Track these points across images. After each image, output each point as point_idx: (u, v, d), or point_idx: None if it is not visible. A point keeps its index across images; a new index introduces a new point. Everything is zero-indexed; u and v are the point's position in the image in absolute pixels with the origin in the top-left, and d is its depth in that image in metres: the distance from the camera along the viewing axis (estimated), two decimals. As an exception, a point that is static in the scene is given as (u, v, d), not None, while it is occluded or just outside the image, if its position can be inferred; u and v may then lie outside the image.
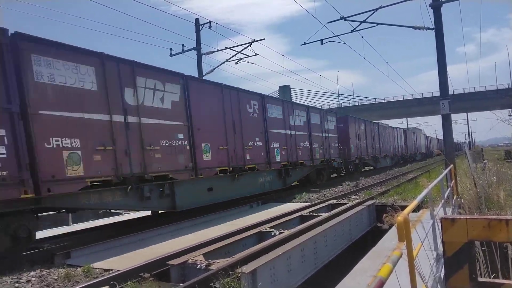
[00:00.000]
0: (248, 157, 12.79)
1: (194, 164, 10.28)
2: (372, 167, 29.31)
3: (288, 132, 15.68)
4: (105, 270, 6.04)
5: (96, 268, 6.14)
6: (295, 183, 17.98)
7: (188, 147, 10.15)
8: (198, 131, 10.58)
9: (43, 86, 6.97)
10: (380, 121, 35.71)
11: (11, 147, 6.37)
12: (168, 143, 9.56)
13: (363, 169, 27.57)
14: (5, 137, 6.32)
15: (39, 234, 8.15)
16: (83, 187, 7.48)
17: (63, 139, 7.19)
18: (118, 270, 5.74)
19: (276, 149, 14.63)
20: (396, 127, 39.73)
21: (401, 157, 39.65)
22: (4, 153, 6.27)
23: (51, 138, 6.97)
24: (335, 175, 23.28)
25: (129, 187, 8.37)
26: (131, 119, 8.65)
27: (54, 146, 7.01)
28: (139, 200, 8.75)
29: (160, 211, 10.86)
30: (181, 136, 9.95)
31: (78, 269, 6.11)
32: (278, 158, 14.73)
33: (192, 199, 10.34)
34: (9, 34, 6.68)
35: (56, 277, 5.78)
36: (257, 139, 13.48)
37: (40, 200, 6.86)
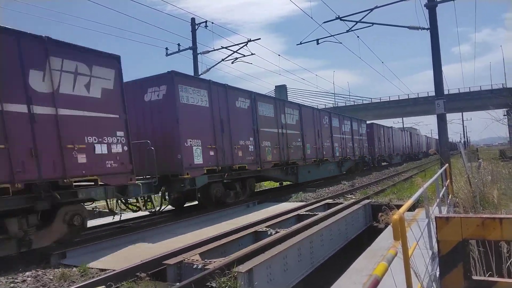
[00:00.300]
0: (324, 152, 20.21)
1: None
2: (387, 163, 35.10)
3: (341, 136, 23.13)
4: (101, 270, 6.03)
5: (92, 268, 6.12)
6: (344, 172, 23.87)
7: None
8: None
9: None
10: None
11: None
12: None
13: (382, 164, 33.93)
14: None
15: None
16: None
17: None
18: (114, 270, 5.74)
19: (336, 148, 22.01)
20: (404, 129, 44.80)
21: (408, 155, 45.20)
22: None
23: None
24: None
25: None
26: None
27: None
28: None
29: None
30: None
31: (74, 269, 6.09)
32: (337, 154, 22.16)
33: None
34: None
35: (52, 277, 5.76)
36: (328, 141, 20.99)
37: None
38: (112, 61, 8.40)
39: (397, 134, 40.18)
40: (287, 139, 16.28)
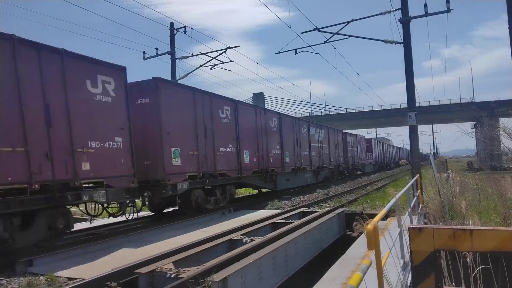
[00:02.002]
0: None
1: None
2: (361, 172, 36.71)
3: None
4: (70, 279, 5.82)
5: (60, 277, 5.90)
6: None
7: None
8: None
9: None
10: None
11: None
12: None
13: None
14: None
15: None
16: None
17: None
18: (83, 279, 5.55)
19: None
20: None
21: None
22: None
23: None
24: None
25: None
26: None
27: None
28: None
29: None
30: None
31: (41, 277, 5.85)
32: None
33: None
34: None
35: (17, 286, 5.52)
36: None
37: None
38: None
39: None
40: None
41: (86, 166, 7.97)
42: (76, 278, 5.75)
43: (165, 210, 12.73)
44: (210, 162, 12.33)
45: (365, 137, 40.97)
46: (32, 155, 6.91)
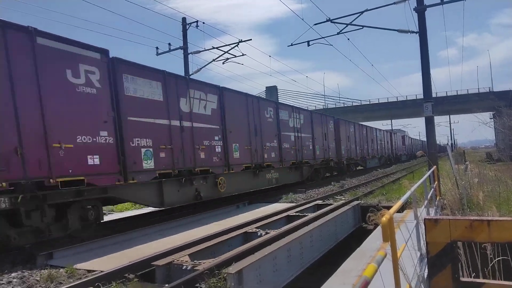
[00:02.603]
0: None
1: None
2: (362, 167, 32.08)
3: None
4: (89, 271, 5.95)
5: (80, 269, 6.04)
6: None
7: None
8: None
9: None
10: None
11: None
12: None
13: (357, 168, 31.46)
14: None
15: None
16: None
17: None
18: (102, 271, 5.67)
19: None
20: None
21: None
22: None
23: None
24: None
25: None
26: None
27: None
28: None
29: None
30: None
31: (61, 270, 6.00)
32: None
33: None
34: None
35: (38, 278, 5.67)
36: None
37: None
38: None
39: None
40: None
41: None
42: (95, 270, 5.88)
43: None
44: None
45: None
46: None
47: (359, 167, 31.32)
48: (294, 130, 18.11)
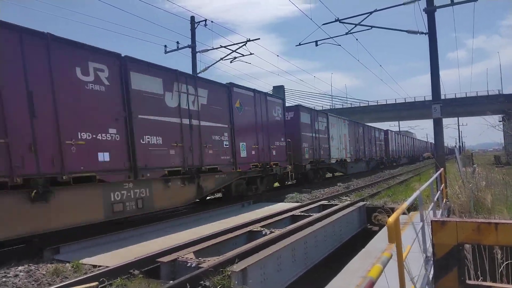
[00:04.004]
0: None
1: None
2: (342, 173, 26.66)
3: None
4: (94, 266, 6.00)
5: (85, 264, 6.09)
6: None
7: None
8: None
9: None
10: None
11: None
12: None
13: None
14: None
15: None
16: None
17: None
18: (107, 267, 5.71)
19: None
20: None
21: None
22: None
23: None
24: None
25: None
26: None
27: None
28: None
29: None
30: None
31: (67, 264, 6.06)
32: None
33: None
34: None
35: (44, 272, 5.73)
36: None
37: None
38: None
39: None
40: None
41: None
42: (100, 266, 5.93)
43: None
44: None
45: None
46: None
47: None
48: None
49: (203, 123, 11.16)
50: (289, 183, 19.57)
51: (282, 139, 15.99)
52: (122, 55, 8.73)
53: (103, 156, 7.97)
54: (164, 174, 9.58)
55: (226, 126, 12.36)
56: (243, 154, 13.16)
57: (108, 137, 8.16)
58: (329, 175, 24.83)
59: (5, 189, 6.42)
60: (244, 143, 13.28)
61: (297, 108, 18.81)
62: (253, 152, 13.82)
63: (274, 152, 15.16)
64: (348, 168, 25.87)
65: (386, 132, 39.18)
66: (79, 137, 7.53)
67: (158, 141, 9.47)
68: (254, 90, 14.19)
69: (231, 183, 12.74)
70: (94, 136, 7.82)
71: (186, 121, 10.46)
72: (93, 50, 8.01)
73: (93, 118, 7.85)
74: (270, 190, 16.07)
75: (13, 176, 6.33)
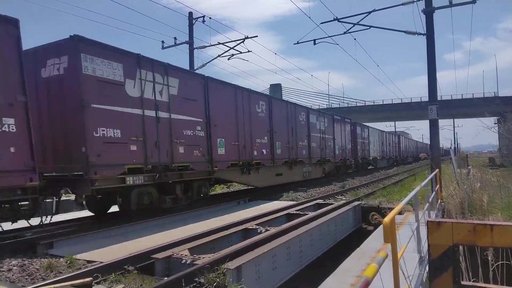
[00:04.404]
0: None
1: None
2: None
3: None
4: (88, 262, 5.98)
5: (79, 259, 6.07)
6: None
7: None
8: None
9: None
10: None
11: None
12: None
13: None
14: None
15: (21, 223, 7.98)
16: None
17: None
18: (101, 262, 5.69)
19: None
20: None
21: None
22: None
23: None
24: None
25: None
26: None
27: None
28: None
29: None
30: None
31: (61, 259, 6.03)
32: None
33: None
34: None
35: (38, 267, 5.70)
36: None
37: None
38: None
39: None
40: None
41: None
42: (94, 261, 5.91)
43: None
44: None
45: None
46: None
47: (370, 167, 33.97)
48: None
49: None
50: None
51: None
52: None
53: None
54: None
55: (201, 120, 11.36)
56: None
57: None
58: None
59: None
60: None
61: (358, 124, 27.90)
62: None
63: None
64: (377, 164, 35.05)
65: (399, 136, 50.86)
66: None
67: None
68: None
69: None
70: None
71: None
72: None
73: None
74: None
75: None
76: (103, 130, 8.27)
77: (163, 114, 9.87)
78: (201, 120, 11.35)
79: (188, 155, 10.70)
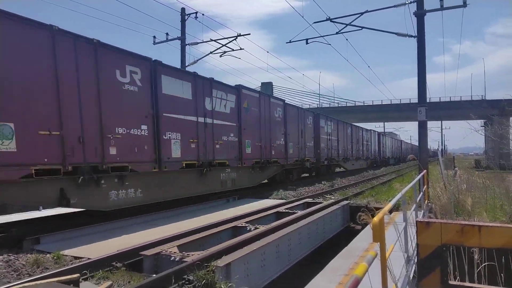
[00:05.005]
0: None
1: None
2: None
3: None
4: (76, 258, 5.92)
5: (67, 255, 6.00)
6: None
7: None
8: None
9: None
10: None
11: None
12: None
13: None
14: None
15: (7, 218, 7.87)
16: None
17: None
18: (89, 258, 5.64)
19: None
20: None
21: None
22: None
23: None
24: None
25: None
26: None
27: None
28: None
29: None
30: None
31: (48, 255, 5.96)
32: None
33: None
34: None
35: (24, 263, 5.62)
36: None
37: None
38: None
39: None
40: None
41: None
42: (82, 257, 5.85)
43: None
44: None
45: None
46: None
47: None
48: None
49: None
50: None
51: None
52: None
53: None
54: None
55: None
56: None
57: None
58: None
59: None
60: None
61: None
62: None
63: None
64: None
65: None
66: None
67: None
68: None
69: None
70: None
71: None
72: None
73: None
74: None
75: None
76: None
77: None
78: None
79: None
